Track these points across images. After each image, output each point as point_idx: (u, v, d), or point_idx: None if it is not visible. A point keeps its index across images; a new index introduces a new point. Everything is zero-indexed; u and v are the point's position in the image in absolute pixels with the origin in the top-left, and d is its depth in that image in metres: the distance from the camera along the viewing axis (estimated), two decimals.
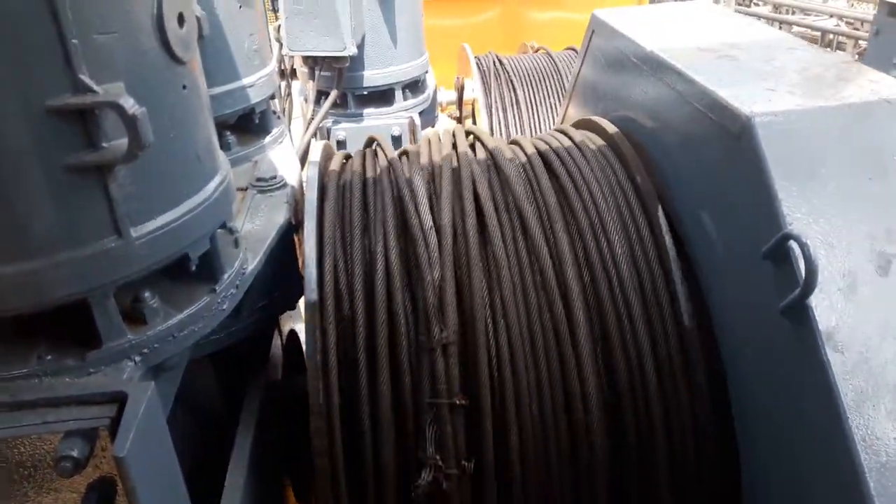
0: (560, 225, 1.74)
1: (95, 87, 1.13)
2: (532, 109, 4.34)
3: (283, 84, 4.39)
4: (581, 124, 2.31)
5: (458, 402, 1.58)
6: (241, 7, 2.09)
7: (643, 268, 1.70)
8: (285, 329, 2.34)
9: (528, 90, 4.41)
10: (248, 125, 2.22)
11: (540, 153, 1.97)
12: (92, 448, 1.13)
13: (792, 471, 1.36)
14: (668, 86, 1.80)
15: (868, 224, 1.33)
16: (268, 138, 2.25)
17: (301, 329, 2.13)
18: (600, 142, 2.05)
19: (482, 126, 4.48)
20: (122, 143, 1.17)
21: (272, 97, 2.26)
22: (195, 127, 1.39)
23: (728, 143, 1.50)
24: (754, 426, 1.51)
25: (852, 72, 1.71)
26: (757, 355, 1.46)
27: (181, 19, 1.29)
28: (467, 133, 2.15)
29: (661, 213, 1.76)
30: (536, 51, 5.17)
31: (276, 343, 2.25)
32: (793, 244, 1.28)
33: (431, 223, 1.72)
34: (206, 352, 1.77)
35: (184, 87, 1.33)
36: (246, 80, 2.10)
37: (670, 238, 1.72)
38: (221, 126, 2.18)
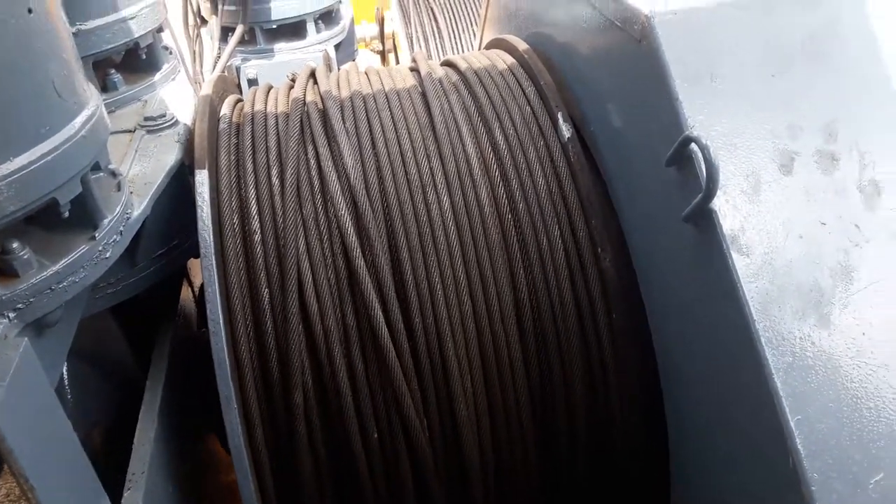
0: (470, 139, 1.71)
1: None
2: (455, 38, 4.20)
3: (193, 25, 4.14)
4: (492, 44, 2.22)
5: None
6: None
7: (551, 176, 1.68)
8: (197, 281, 2.23)
9: (450, 18, 4.25)
10: (134, 62, 2.05)
11: (452, 69, 1.89)
12: None
13: (705, 375, 1.35)
14: None
15: (770, 121, 1.29)
16: (158, 75, 2.09)
17: None
18: (510, 59, 1.97)
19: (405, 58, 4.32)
20: None
21: (159, 30, 2.09)
22: (49, 56, 1.25)
23: (631, 48, 1.44)
24: (667, 334, 1.50)
25: None
26: (666, 265, 1.44)
27: None
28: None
29: (566, 122, 1.73)
30: None
31: (188, 295, 2.15)
32: (694, 147, 1.24)
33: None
34: (104, 305, 1.67)
35: (29, 10, 1.19)
36: (125, 12, 1.91)
37: (579, 145, 1.70)
38: (106, 65, 2.02)
